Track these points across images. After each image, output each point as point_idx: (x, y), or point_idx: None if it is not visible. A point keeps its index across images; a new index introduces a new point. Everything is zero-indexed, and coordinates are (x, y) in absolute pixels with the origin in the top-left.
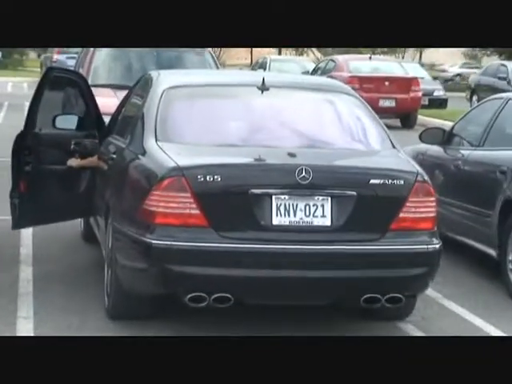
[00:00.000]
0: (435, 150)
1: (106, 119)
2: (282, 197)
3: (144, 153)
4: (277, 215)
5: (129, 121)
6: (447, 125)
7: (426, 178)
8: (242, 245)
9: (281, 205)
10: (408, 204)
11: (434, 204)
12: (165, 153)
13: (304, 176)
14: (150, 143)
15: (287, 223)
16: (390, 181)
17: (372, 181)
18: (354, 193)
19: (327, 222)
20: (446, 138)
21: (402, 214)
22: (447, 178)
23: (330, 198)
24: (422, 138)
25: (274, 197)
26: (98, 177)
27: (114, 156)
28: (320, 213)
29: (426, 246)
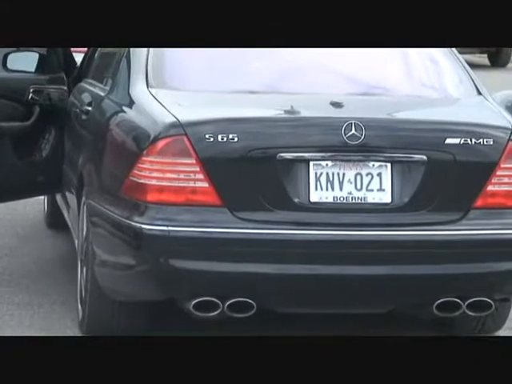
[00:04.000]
0: None
1: (78, 58)
2: (324, 163)
3: (131, 103)
4: (316, 189)
5: (109, 60)
6: None
7: None
8: (267, 230)
9: (321, 174)
10: (499, 172)
11: None
12: (160, 103)
13: (354, 134)
14: (140, 90)
15: (331, 200)
16: (473, 140)
17: (448, 140)
18: (424, 157)
19: (387, 197)
20: None
21: (490, 187)
22: None
23: (389, 165)
24: None
25: (311, 163)
26: (67, 138)
27: (90, 108)
28: (376, 185)
29: None
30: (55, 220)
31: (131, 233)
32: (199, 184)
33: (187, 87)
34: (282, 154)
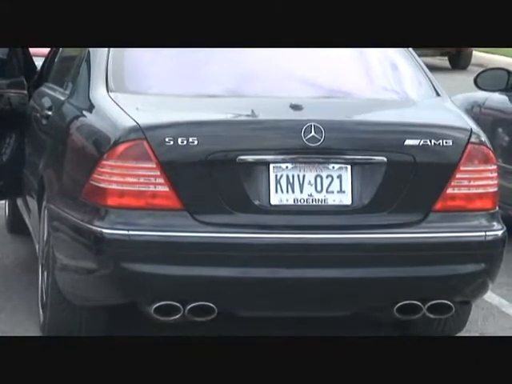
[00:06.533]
0: (497, 99)
1: (39, 62)
2: (284, 166)
3: (91, 108)
4: (276, 191)
5: (69, 64)
6: None
7: (484, 138)
8: (227, 234)
9: (282, 177)
10: (458, 175)
11: (494, 175)
12: (119, 107)
13: (313, 136)
14: (100, 94)
15: (291, 202)
16: (433, 141)
17: (408, 141)
18: (384, 158)
19: (347, 199)
20: None
21: (450, 190)
22: None
23: (349, 167)
24: (478, 83)
25: (271, 166)
26: (27, 142)
27: (50, 113)
28: (337, 187)
29: (483, 233)
30: (16, 224)
31: (92, 237)
32: (160, 188)
33: (147, 91)
34: (242, 157)
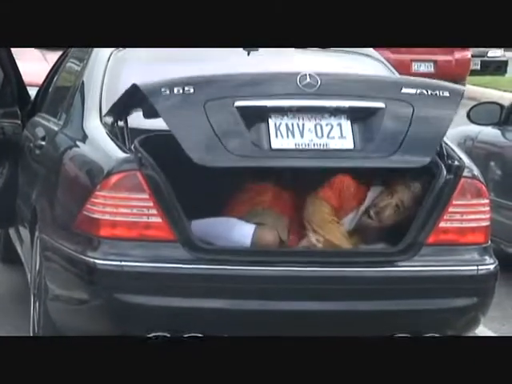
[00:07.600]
0: (490, 133)
1: (32, 92)
2: (282, 115)
3: (84, 138)
4: (276, 136)
5: (63, 94)
6: (507, 98)
7: (477, 172)
8: (221, 266)
9: (281, 124)
10: (451, 209)
11: (487, 209)
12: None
13: (309, 82)
14: (93, 124)
15: (292, 146)
16: (429, 91)
17: (405, 90)
18: (382, 104)
19: (348, 144)
20: (506, 117)
21: (442, 223)
22: (507, 172)
23: (348, 115)
24: (471, 117)
25: (270, 116)
26: (20, 172)
27: (43, 143)
28: (337, 133)
29: (475, 267)
30: (8, 254)
31: (84, 267)
32: (152, 219)
33: (141, 120)
34: (239, 103)
